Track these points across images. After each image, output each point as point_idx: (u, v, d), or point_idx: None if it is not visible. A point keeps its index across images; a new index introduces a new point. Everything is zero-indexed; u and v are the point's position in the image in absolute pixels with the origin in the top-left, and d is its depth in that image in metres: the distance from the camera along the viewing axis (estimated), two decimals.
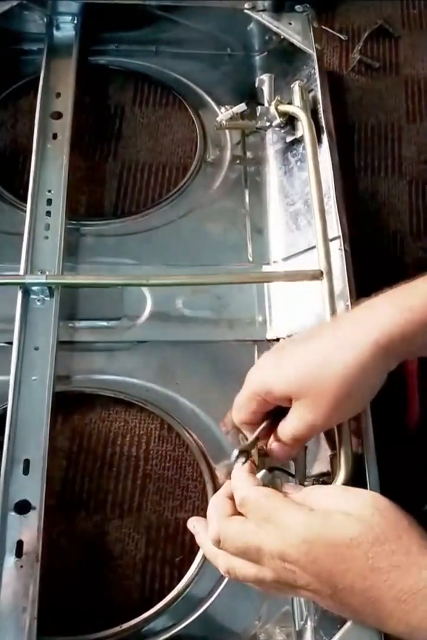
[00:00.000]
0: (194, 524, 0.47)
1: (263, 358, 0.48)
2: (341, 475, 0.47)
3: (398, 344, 0.43)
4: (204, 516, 0.45)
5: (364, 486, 0.46)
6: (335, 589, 0.39)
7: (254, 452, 0.46)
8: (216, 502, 0.44)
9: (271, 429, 0.47)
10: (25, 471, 0.49)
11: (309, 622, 0.48)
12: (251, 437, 0.46)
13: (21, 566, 0.46)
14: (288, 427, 0.45)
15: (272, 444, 0.46)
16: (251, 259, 0.64)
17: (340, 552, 0.38)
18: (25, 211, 0.60)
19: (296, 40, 0.68)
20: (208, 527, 0.43)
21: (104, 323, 0.59)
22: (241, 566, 0.41)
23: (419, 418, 0.57)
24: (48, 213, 0.61)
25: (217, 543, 0.42)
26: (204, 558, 0.50)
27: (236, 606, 0.50)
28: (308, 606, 0.48)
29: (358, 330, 0.44)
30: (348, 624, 0.42)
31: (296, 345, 0.46)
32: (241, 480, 0.44)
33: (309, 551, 0.38)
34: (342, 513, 0.39)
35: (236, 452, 0.45)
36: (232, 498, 0.43)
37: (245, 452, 0.45)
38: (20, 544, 0.47)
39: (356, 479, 0.46)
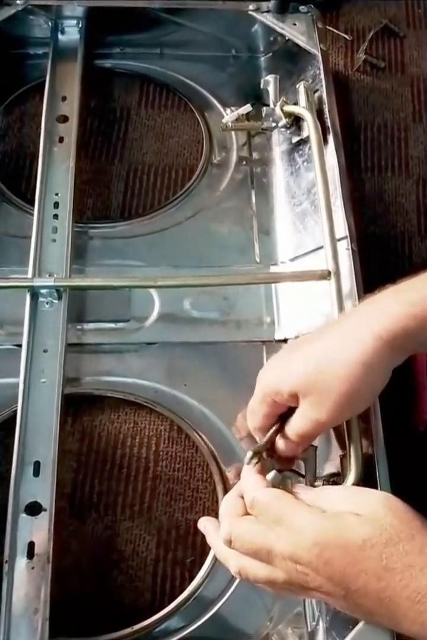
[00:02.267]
0: (205, 524, 0.47)
1: (271, 360, 0.48)
2: (351, 476, 0.47)
3: (402, 339, 0.42)
4: (215, 517, 0.45)
5: (374, 486, 0.46)
6: (348, 591, 0.38)
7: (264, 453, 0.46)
8: (228, 502, 0.44)
9: (276, 429, 0.47)
10: (36, 473, 0.49)
11: (321, 623, 0.47)
12: (263, 440, 0.46)
13: (33, 568, 0.46)
14: (293, 424, 0.45)
15: (279, 441, 0.46)
16: (258, 259, 0.64)
17: (353, 554, 0.38)
18: (32, 215, 0.60)
19: (301, 41, 0.68)
20: (220, 527, 0.43)
21: (112, 325, 0.59)
22: (252, 567, 0.41)
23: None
24: (55, 216, 0.61)
25: (229, 543, 0.42)
26: (215, 559, 0.50)
27: (247, 607, 0.50)
28: (320, 607, 0.48)
29: (362, 325, 0.44)
30: (360, 624, 0.42)
31: (303, 344, 0.47)
32: (250, 481, 0.44)
33: (321, 554, 0.38)
34: (354, 514, 0.39)
35: (249, 454, 0.45)
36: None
37: (257, 454, 0.45)
38: (31, 545, 0.47)
39: (366, 479, 0.46)
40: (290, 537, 0.39)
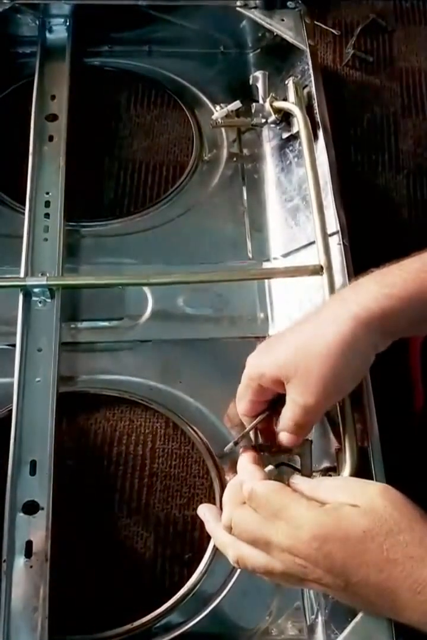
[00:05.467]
0: (204, 511, 0.46)
1: (258, 347, 0.49)
2: (347, 469, 0.47)
3: (378, 319, 0.43)
4: None
5: (370, 478, 0.46)
6: (348, 582, 0.39)
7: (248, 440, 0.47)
8: (231, 488, 0.44)
9: (270, 420, 0.47)
10: (32, 472, 0.49)
11: (320, 617, 0.48)
12: (248, 426, 0.47)
13: (31, 566, 0.46)
14: (286, 415, 0.45)
15: (279, 435, 0.46)
16: (250, 255, 0.64)
17: (353, 546, 0.38)
18: (24, 214, 0.60)
19: (289, 36, 0.68)
20: (223, 512, 0.43)
21: (106, 323, 0.59)
22: (251, 555, 0.41)
23: (423, 403, 0.57)
24: (47, 215, 0.61)
25: (229, 529, 0.42)
26: (214, 554, 0.50)
27: (246, 602, 0.50)
28: (319, 600, 0.48)
29: (339, 306, 0.45)
30: (358, 616, 0.42)
31: (288, 331, 0.48)
32: (247, 472, 0.44)
33: (320, 547, 0.38)
34: (353, 506, 0.39)
35: (230, 444, 0.47)
36: None
37: (238, 443, 0.46)
38: (29, 544, 0.47)
39: (361, 472, 0.47)
40: (288, 531, 0.39)
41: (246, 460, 0.45)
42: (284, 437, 0.46)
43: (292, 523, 0.40)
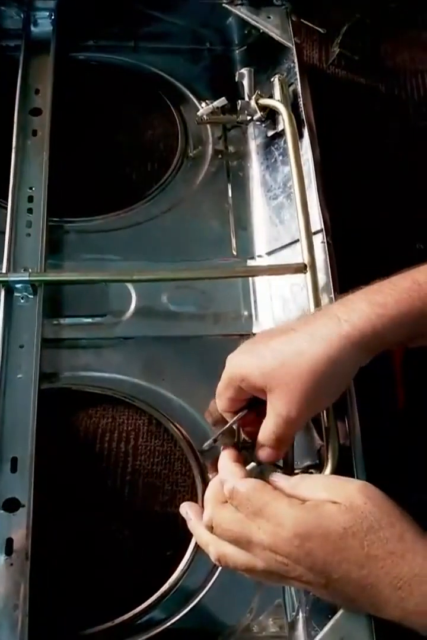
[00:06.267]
0: (186, 509, 0.46)
1: (242, 346, 0.48)
2: (329, 468, 0.47)
3: (369, 339, 0.43)
4: None
5: (351, 477, 0.46)
6: (329, 579, 0.39)
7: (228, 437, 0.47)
8: (213, 486, 0.44)
9: (250, 418, 0.47)
10: (13, 469, 0.49)
11: (300, 614, 0.48)
12: (226, 426, 0.47)
13: (11, 564, 0.46)
14: (268, 427, 0.45)
15: (259, 451, 0.46)
16: (235, 253, 0.64)
17: (334, 543, 0.38)
18: (6, 209, 0.59)
19: (275, 34, 0.68)
20: (204, 511, 0.44)
21: (89, 320, 0.59)
22: (232, 553, 0.42)
23: (404, 400, 0.58)
24: (30, 210, 0.60)
25: (210, 528, 0.42)
26: (195, 551, 0.50)
27: (228, 598, 0.50)
28: (300, 598, 0.48)
29: (330, 324, 0.44)
30: (339, 614, 0.42)
31: (272, 337, 0.47)
32: (228, 470, 0.44)
33: (301, 545, 0.39)
34: (334, 503, 0.40)
35: (210, 441, 0.47)
36: None
37: (218, 440, 0.46)
38: (10, 542, 0.46)
39: (343, 471, 0.47)
40: (270, 529, 0.40)
41: (226, 459, 0.45)
42: (265, 452, 0.45)
43: (273, 521, 0.40)
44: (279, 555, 0.39)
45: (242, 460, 0.45)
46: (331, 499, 0.40)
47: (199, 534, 0.44)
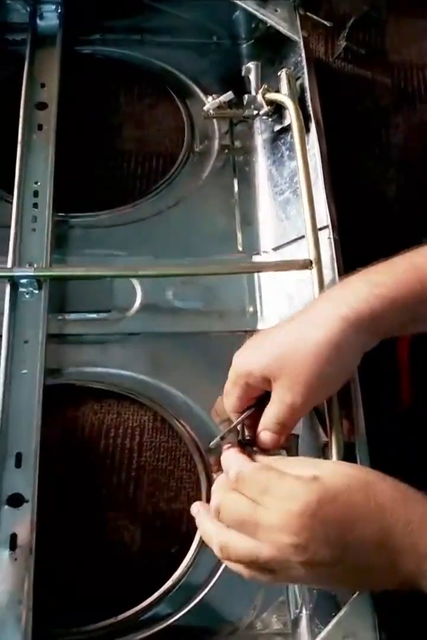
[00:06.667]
0: (198, 508, 0.46)
1: (246, 343, 0.49)
2: None
3: (368, 320, 0.43)
4: None
5: None
6: (346, 547, 0.38)
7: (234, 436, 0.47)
8: (220, 479, 0.44)
9: (257, 416, 0.47)
10: (18, 465, 0.49)
11: (304, 611, 0.48)
12: (234, 423, 0.47)
13: (15, 559, 0.46)
14: (270, 412, 0.45)
15: (260, 434, 0.46)
16: (240, 248, 0.64)
17: (343, 504, 0.38)
18: (11, 203, 0.59)
19: (282, 27, 0.67)
20: (211, 499, 0.43)
21: (94, 315, 0.59)
22: (237, 541, 0.40)
23: (410, 398, 0.58)
24: (35, 205, 0.60)
25: (217, 514, 0.42)
26: (199, 547, 0.50)
27: (231, 595, 0.50)
28: (303, 595, 0.48)
29: (329, 307, 0.45)
30: (342, 610, 0.42)
31: (276, 329, 0.48)
32: (233, 457, 0.44)
33: (314, 514, 0.38)
34: (327, 473, 0.40)
35: (217, 439, 0.47)
36: None
37: (224, 438, 0.46)
38: (14, 537, 0.46)
39: None
40: (279, 505, 0.39)
41: (231, 452, 0.45)
42: (266, 436, 0.45)
43: (282, 497, 0.39)
44: (289, 535, 0.38)
45: (246, 454, 0.45)
46: (320, 473, 0.40)
47: (204, 524, 0.44)
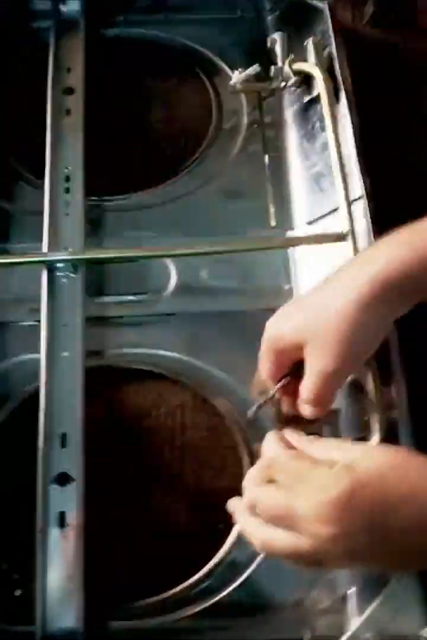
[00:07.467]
0: (234, 504, 0.45)
1: (278, 311, 0.49)
2: (374, 441, 0.47)
3: (400, 281, 0.43)
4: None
5: None
6: (384, 531, 0.37)
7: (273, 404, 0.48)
8: (251, 472, 0.44)
9: (293, 387, 0.47)
10: (63, 444, 0.49)
11: (353, 587, 0.48)
12: (271, 391, 0.47)
13: (65, 537, 0.47)
14: (306, 384, 0.45)
15: (301, 407, 0.46)
16: (274, 224, 0.63)
17: (377, 488, 0.38)
18: (43, 189, 0.60)
19: None
20: (244, 494, 0.43)
21: (131, 297, 0.59)
22: (277, 537, 0.40)
23: None
24: (67, 190, 0.60)
25: (253, 509, 0.41)
26: None
27: (279, 572, 0.49)
28: (351, 572, 0.48)
29: (359, 270, 0.44)
30: (389, 586, 0.43)
31: (307, 295, 0.48)
32: (271, 442, 0.44)
33: (348, 503, 0.37)
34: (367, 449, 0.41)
35: (251, 411, 0.48)
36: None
37: (262, 407, 0.47)
38: (63, 515, 0.47)
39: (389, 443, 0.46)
40: (313, 493, 0.38)
41: (270, 439, 0.45)
42: (307, 409, 0.46)
43: (315, 488, 0.39)
44: (325, 526, 0.38)
45: (286, 441, 0.45)
46: (352, 460, 0.39)
47: (243, 521, 0.43)
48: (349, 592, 0.48)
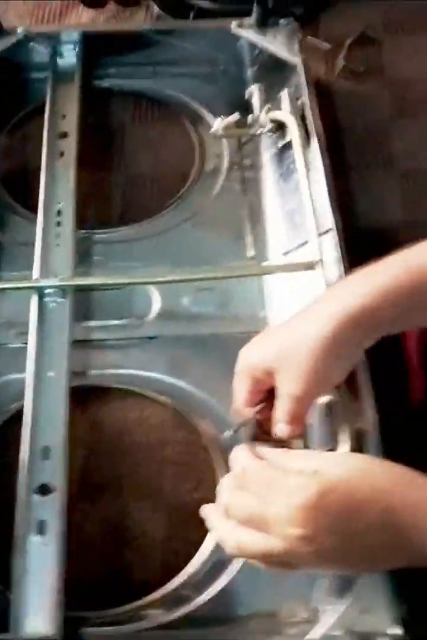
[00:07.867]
0: (206, 510, 0.47)
1: (250, 341, 0.51)
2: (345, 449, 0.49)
3: (361, 315, 0.46)
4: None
5: None
6: (351, 532, 0.39)
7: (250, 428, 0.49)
8: (225, 479, 0.45)
9: (270, 409, 0.49)
10: (46, 456, 0.51)
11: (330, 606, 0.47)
12: (244, 418, 0.49)
13: (46, 545, 0.48)
14: (278, 405, 0.48)
15: (276, 427, 0.48)
16: (252, 256, 0.67)
17: (344, 491, 0.39)
18: (35, 222, 0.64)
19: (282, 53, 0.72)
20: (218, 499, 0.44)
21: (116, 322, 0.62)
22: (249, 538, 0.41)
23: (422, 395, 0.59)
24: (58, 223, 0.64)
25: (225, 512, 0.43)
26: None
27: (253, 583, 0.50)
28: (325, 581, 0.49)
29: (328, 304, 0.48)
30: (354, 590, 0.44)
31: (278, 326, 0.52)
32: (242, 454, 0.45)
33: (316, 505, 0.39)
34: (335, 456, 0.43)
35: (227, 433, 0.49)
36: None
37: (237, 431, 0.49)
38: (43, 523, 0.49)
39: None
40: (284, 500, 0.40)
41: (240, 449, 0.46)
42: (281, 428, 0.48)
43: (286, 492, 0.40)
44: (295, 528, 0.39)
45: (257, 446, 0.46)
46: (320, 466, 0.41)
47: (216, 526, 0.45)
48: (322, 602, 0.48)
